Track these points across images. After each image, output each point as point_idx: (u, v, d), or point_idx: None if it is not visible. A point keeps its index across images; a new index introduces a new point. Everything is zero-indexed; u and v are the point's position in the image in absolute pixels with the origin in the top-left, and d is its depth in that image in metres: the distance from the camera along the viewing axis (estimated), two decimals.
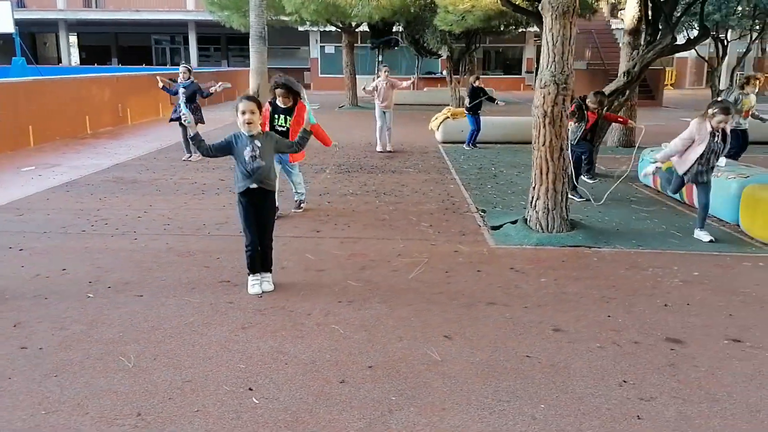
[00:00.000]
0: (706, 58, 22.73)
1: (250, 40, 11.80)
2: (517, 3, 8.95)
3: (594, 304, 4.18)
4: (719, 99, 6.50)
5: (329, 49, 38.78)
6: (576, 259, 5.17)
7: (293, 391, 2.99)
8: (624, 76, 8.41)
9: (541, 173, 5.62)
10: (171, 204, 6.92)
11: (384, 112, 11.56)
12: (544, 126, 5.49)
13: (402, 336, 3.61)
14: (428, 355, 3.37)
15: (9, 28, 24.57)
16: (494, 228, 5.99)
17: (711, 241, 5.63)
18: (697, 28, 20.14)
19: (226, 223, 6.13)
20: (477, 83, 12.08)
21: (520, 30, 21.42)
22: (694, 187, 5.90)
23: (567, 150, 5.67)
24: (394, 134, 11.81)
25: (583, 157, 7.85)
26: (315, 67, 37.39)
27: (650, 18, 8.96)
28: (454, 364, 3.28)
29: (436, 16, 13.88)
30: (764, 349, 3.55)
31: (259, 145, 4.12)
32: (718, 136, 5.46)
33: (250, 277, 4.30)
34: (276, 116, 6.04)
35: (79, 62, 39.84)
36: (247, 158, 4.10)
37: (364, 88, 12.06)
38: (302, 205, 6.71)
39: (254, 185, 4.14)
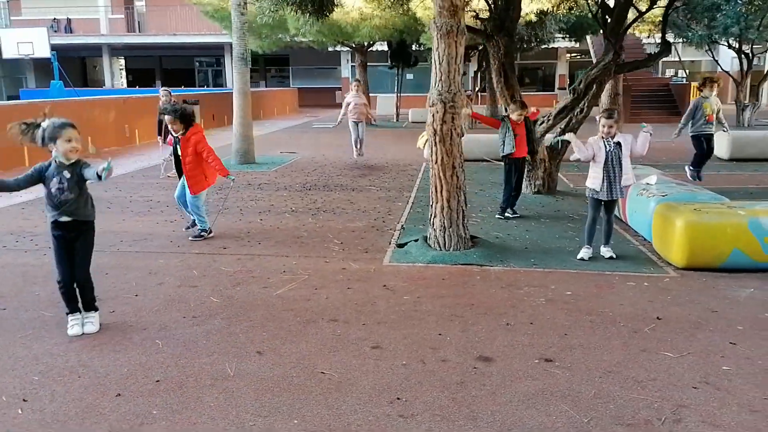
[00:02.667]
0: (731, 71, 22.15)
1: (232, 61, 12.19)
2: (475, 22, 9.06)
3: (436, 322, 4.22)
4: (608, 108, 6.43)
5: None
6: (458, 277, 5.19)
7: (65, 404, 3.16)
8: (571, 93, 8.35)
9: (436, 191, 5.68)
10: (108, 221, 7.25)
11: (356, 124, 12.02)
12: (435, 144, 5.56)
13: (214, 351, 3.75)
14: (224, 371, 3.49)
15: (46, 52, 25.93)
16: (399, 246, 6.06)
17: (611, 257, 5.57)
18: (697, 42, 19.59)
19: (144, 239, 6.40)
20: None
21: (544, 46, 21.28)
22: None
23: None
24: (383, 149, 12.05)
25: (505, 182, 7.47)
26: (346, 86, 38.03)
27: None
28: (242, 380, 3.40)
29: (423, 35, 14.03)
30: (567, 369, 3.53)
31: (67, 176, 3.82)
32: (608, 144, 5.43)
33: (69, 317, 4.00)
34: (177, 143, 6.37)
35: (126, 85, 41.70)
36: (53, 190, 3.81)
37: (339, 121, 12.71)
38: (203, 234, 6.46)
39: (64, 218, 3.86)
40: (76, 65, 43.51)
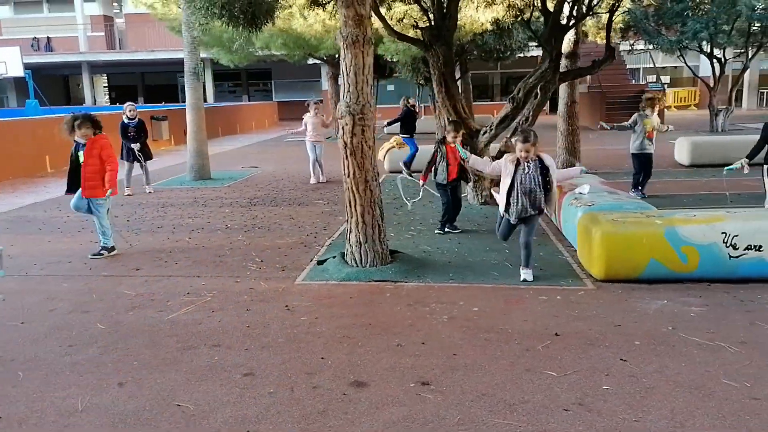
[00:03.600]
0: (711, 77, 22.07)
1: (184, 75, 12.05)
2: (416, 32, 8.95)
3: (324, 345, 4.04)
4: (522, 128, 6.26)
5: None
6: (367, 295, 5.03)
7: None
8: (510, 102, 8.23)
9: (350, 206, 5.53)
10: (31, 243, 7.06)
11: (314, 146, 11.77)
12: (347, 157, 5.41)
13: (74, 383, 3.57)
14: (74, 405, 3.31)
15: (19, 71, 25.78)
16: (319, 263, 5.89)
17: (524, 280, 5.29)
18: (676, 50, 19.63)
19: (58, 262, 6.21)
20: (410, 103, 12.55)
21: (520, 55, 21.14)
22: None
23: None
24: (327, 164, 11.86)
25: (443, 202, 7.24)
26: (327, 98, 37.95)
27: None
28: (89, 414, 3.22)
29: (380, 46, 13.90)
30: (441, 393, 3.36)
31: None
32: (527, 166, 5.21)
33: None
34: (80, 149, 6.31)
35: (109, 102, 41.53)
36: None
37: (291, 132, 12.55)
38: (102, 252, 6.38)
39: None
40: (58, 83, 43.36)
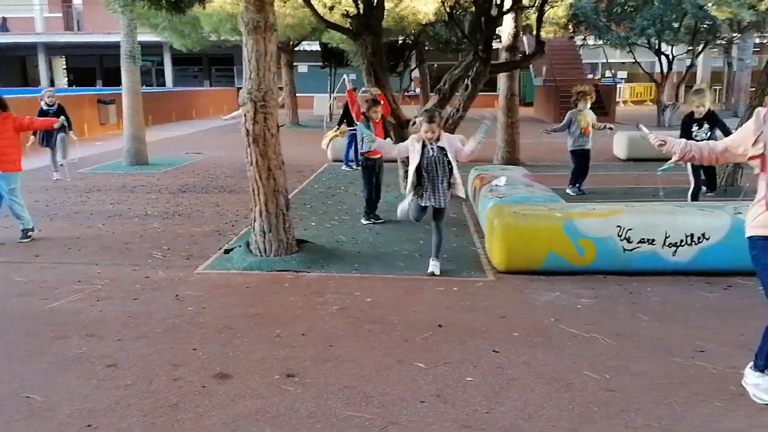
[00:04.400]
0: (660, 73, 22.43)
1: (120, 59, 11.75)
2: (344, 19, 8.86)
3: (202, 336, 3.98)
4: (428, 107, 6.21)
5: (302, 68, 38.97)
6: (265, 285, 4.97)
7: None
8: (436, 93, 8.22)
9: (254, 194, 5.45)
10: None
11: None
12: (249, 145, 5.33)
13: None
14: None
15: None
16: (227, 252, 5.80)
17: (432, 273, 5.22)
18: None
19: None
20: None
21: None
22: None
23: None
24: (293, 149, 11.73)
25: (364, 192, 7.25)
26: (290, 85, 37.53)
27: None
28: None
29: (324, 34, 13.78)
30: (303, 385, 3.33)
31: None
32: (432, 149, 5.15)
33: None
34: None
35: (67, 84, 40.37)
36: None
37: (224, 117, 12.27)
38: (30, 234, 6.31)
39: None
40: (15, 64, 41.96)
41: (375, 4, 7.91)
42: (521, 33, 11.15)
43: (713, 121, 7.12)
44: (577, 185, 8.99)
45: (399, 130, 8.47)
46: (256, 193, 5.42)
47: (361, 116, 7.24)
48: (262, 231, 5.47)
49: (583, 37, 21.11)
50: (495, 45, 9.38)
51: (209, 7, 15.02)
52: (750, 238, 3.12)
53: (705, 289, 4.83)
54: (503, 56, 11.82)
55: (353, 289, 4.87)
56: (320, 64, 25.10)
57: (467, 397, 3.22)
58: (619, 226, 5.11)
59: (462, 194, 5.24)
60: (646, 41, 20.24)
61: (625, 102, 33.13)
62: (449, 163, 5.11)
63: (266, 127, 5.26)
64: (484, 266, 5.50)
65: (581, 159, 8.92)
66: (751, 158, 3.09)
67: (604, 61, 35.14)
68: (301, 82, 37.55)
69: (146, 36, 36.72)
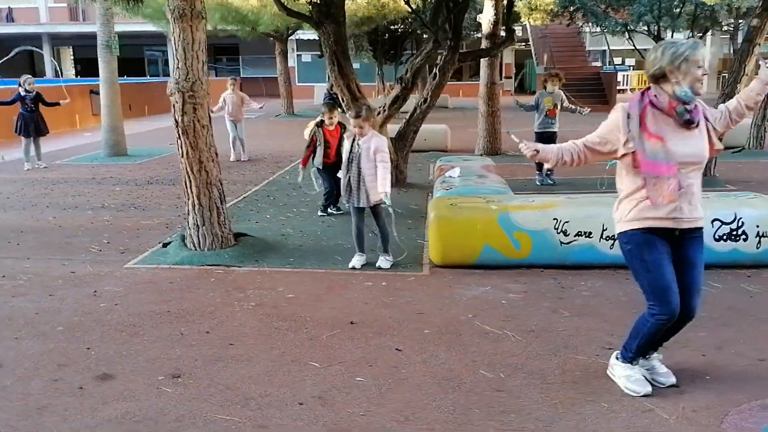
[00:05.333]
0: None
1: (97, 49, 11.68)
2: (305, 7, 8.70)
3: (102, 334, 3.89)
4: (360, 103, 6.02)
5: (306, 57, 38.86)
6: (191, 280, 4.88)
7: None
8: (398, 82, 8.06)
9: (186, 187, 5.35)
10: None
11: (234, 124, 11.57)
12: (179, 137, 5.22)
13: None
14: None
15: None
16: (165, 245, 5.71)
17: (379, 267, 5.10)
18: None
19: None
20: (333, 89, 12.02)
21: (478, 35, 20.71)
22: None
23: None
24: (277, 139, 11.60)
25: (324, 187, 7.09)
26: (292, 75, 37.37)
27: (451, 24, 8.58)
28: None
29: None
30: (184, 386, 3.23)
31: None
32: (358, 146, 5.02)
33: None
34: None
35: (75, 75, 40.60)
36: None
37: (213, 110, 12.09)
38: None
39: None
40: (23, 55, 42.19)
41: None
42: (499, 22, 10.86)
43: None
44: (547, 174, 8.77)
45: None
46: (188, 186, 5.32)
47: (316, 128, 7.04)
48: (195, 224, 5.38)
49: (581, 24, 20.66)
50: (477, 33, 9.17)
51: None
52: (624, 233, 3.02)
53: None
54: (484, 44, 11.61)
55: (278, 285, 4.76)
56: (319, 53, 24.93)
57: (350, 398, 3.11)
58: (555, 219, 4.95)
59: (377, 198, 4.99)
60: (645, 28, 19.81)
61: (632, 89, 32.59)
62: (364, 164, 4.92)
63: (196, 118, 5.15)
64: (424, 260, 5.37)
65: (545, 141, 8.66)
66: (622, 156, 2.95)
67: (613, 48, 34.75)
68: (305, 71, 37.61)
69: (152, 26, 36.85)
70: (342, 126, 7.28)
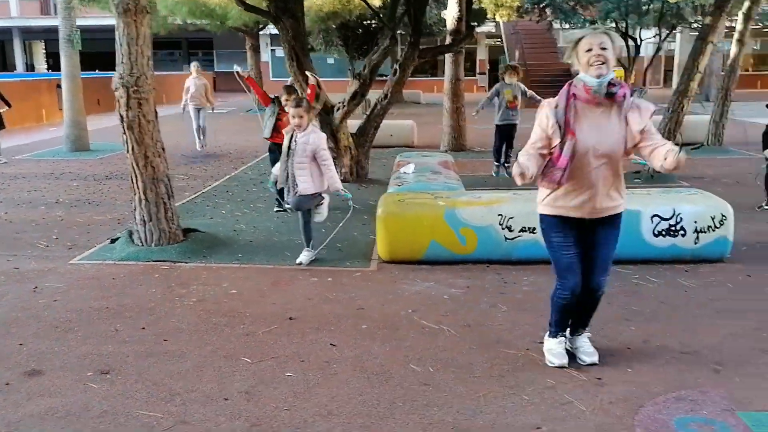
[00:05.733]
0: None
1: (59, 43, 11.50)
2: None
3: (37, 330, 3.85)
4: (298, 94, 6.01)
5: (280, 52, 38.58)
6: (135, 276, 4.84)
7: None
8: (356, 78, 8.06)
9: (133, 182, 5.30)
10: None
11: (198, 111, 11.53)
12: (124, 132, 5.17)
13: None
14: None
15: None
16: (112, 241, 5.66)
17: (299, 263, 5.10)
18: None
19: None
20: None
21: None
22: None
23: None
24: (243, 135, 11.55)
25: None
26: (266, 70, 37.11)
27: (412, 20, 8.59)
28: None
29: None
30: (111, 383, 3.21)
31: None
32: (296, 141, 4.99)
33: None
34: None
35: (47, 69, 39.89)
36: None
37: (183, 107, 11.98)
38: None
39: None
40: None
41: None
42: (463, 18, 10.89)
43: None
44: (506, 165, 8.83)
45: (325, 116, 8.32)
46: (135, 181, 5.27)
47: (271, 102, 7.08)
48: (142, 220, 5.34)
49: (549, 20, 20.85)
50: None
51: None
52: (540, 215, 3.28)
53: None
54: (449, 41, 11.64)
55: (223, 281, 4.75)
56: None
57: (277, 393, 3.12)
58: (500, 215, 5.00)
59: (336, 187, 5.00)
60: (613, 25, 20.04)
61: None
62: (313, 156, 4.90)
63: (141, 113, 5.10)
64: (373, 256, 5.38)
65: (505, 134, 8.71)
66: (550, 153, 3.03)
67: None
68: (279, 66, 37.31)
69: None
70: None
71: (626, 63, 21.14)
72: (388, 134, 12.57)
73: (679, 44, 31.66)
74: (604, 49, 2.95)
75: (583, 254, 3.23)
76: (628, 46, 21.00)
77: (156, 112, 5.27)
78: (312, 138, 4.88)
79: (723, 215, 4.86)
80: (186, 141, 12.61)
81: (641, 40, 21.06)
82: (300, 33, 8.05)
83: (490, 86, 34.88)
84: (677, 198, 5.03)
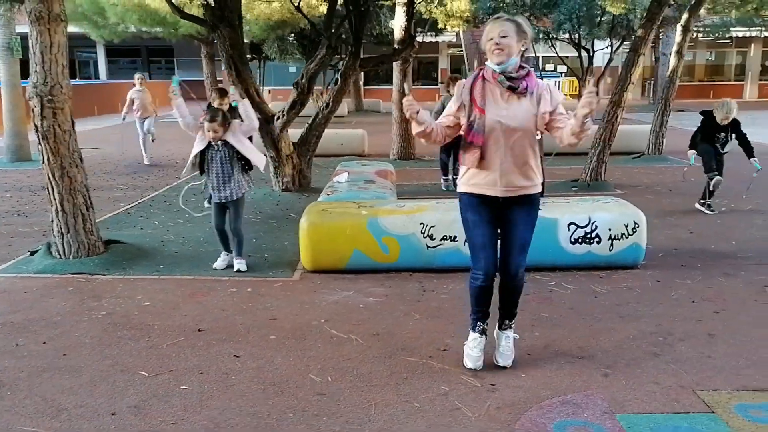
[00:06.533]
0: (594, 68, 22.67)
1: None
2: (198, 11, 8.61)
3: None
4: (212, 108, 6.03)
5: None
6: (47, 289, 4.74)
7: None
8: (295, 88, 8.06)
9: (50, 193, 5.20)
10: None
11: (143, 121, 11.37)
12: (39, 142, 5.08)
13: None
14: None
15: None
16: (32, 253, 5.53)
17: (237, 271, 5.12)
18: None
19: None
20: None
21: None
22: None
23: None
24: (175, 146, 11.37)
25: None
26: (227, 78, 36.75)
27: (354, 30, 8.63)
28: None
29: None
30: (2, 398, 3.13)
31: None
32: (216, 148, 5.02)
33: None
34: None
35: None
36: None
37: (123, 118, 11.84)
38: None
39: None
40: None
41: None
42: (417, 27, 11.02)
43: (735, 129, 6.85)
44: (453, 177, 8.91)
45: (265, 125, 8.29)
46: (51, 193, 5.17)
47: (207, 107, 7.07)
48: (60, 232, 5.23)
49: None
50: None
51: None
52: (459, 193, 3.38)
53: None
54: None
55: (138, 293, 4.67)
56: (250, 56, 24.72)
57: (167, 407, 3.07)
58: (422, 224, 5.04)
59: (240, 192, 5.12)
60: (566, 35, 20.46)
61: (565, 95, 33.52)
62: (238, 154, 5.00)
63: (56, 122, 5.00)
64: (299, 266, 5.36)
65: (450, 147, 8.79)
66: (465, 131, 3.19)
67: (545, 55, 35.68)
68: None
69: (79, 28, 35.71)
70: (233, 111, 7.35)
71: (579, 73, 21.65)
72: (338, 143, 12.62)
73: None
74: (504, 37, 3.06)
75: (500, 236, 3.32)
76: (581, 57, 21.51)
77: (73, 122, 5.18)
78: (230, 135, 4.96)
79: (636, 223, 4.98)
80: (133, 151, 12.41)
81: (594, 51, 21.56)
82: (237, 42, 8.00)
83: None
84: (593, 206, 5.13)
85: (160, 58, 40.19)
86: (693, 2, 11.05)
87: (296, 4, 8.39)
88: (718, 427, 2.75)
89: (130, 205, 7.78)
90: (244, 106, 5.26)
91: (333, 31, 7.78)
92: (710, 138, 6.88)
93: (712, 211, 6.94)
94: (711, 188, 6.87)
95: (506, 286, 3.38)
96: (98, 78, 37.69)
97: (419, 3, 11.36)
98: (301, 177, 8.86)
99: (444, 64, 37.13)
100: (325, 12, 12.40)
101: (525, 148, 3.17)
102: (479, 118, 3.12)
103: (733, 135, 6.84)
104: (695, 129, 7.08)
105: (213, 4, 7.76)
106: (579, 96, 21.39)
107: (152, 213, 7.39)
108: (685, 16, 11.39)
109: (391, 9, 11.82)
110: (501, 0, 16.99)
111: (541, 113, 3.13)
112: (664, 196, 8.00)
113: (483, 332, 3.44)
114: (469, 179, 3.27)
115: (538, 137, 3.52)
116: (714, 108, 6.85)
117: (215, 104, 7.01)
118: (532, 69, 3.21)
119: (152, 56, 40.41)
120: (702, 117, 7.00)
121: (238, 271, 5.13)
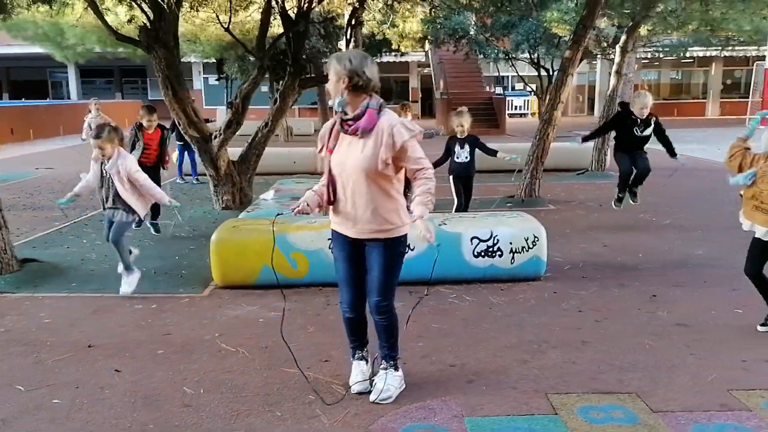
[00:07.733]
0: (542, 88, 23.14)
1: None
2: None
3: None
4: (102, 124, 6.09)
5: (213, 80, 38.63)
6: None
7: None
8: (228, 107, 8.17)
9: None
10: None
11: None
12: None
13: None
14: None
15: None
16: None
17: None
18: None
19: None
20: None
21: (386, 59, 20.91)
22: None
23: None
24: None
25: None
26: (199, 98, 36.90)
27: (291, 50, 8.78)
28: None
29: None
30: None
31: None
32: (104, 169, 4.96)
33: None
34: None
35: None
36: None
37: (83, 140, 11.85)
38: None
39: None
40: None
41: (162, 17, 7.79)
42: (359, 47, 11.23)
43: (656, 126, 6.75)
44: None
45: (203, 143, 8.38)
46: None
47: (134, 126, 7.19)
48: None
49: (465, 51, 21.56)
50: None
51: (71, 17, 14.62)
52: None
53: (404, 299, 4.88)
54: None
55: (43, 310, 4.70)
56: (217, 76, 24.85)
57: (33, 420, 3.12)
58: (329, 239, 5.12)
59: (163, 202, 5.16)
60: (525, 55, 20.90)
61: (533, 114, 34.02)
62: (118, 195, 4.95)
63: None
64: (212, 282, 5.42)
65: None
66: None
67: (513, 74, 36.32)
68: (213, 94, 37.20)
69: (41, 49, 35.43)
70: (162, 128, 7.45)
71: (539, 91, 22.07)
72: (291, 161, 12.74)
73: (599, 74, 33.10)
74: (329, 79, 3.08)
75: (361, 274, 3.28)
76: (540, 76, 21.95)
77: None
78: (120, 162, 4.88)
79: (536, 236, 5.13)
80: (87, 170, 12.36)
81: (553, 70, 22.00)
82: (173, 63, 8.10)
83: (423, 114, 35.56)
84: (496, 221, 5.28)
85: (135, 78, 40.25)
86: (630, 24, 11.42)
87: (226, 27, 8.52)
88: (556, 428, 2.87)
89: (65, 225, 7.78)
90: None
91: (265, 51, 7.91)
92: (627, 133, 6.73)
93: (619, 206, 7.25)
94: (618, 200, 7.17)
95: (374, 322, 3.32)
96: (69, 98, 37.57)
97: (369, 21, 11.54)
98: (242, 195, 8.92)
99: (414, 83, 37.55)
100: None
101: (372, 192, 3.05)
102: (328, 159, 3.15)
103: (652, 131, 6.70)
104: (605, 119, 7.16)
105: (148, 26, 7.88)
106: (540, 113, 21.74)
107: (84, 232, 7.40)
108: (623, 38, 11.75)
109: (342, 28, 12.04)
110: (457, 22, 17.33)
111: (382, 159, 3.00)
112: (593, 211, 8.20)
113: (362, 359, 3.43)
114: (332, 216, 3.28)
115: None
116: (631, 100, 6.79)
117: (144, 121, 7.13)
118: (378, 107, 3.07)
119: (125, 76, 40.48)
120: (619, 109, 6.99)
121: (124, 293, 5.06)
